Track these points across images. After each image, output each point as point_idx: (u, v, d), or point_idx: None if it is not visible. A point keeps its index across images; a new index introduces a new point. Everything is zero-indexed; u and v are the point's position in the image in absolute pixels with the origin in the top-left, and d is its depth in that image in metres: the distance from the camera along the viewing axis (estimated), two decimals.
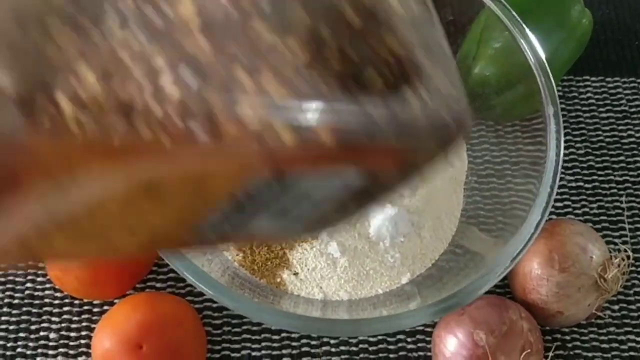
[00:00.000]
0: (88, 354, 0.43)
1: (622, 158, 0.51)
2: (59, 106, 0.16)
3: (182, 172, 0.17)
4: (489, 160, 0.46)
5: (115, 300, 0.44)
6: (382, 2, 0.18)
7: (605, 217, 0.49)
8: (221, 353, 0.44)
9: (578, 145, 0.52)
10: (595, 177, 0.50)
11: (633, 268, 0.45)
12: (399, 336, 0.44)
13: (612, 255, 0.42)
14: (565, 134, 0.51)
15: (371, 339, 0.44)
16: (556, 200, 0.49)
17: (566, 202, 0.49)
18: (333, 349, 0.44)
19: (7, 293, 0.44)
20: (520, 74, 0.43)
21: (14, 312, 0.44)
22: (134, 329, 0.38)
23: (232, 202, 0.18)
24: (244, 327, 0.44)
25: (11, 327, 0.43)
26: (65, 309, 0.44)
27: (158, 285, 0.45)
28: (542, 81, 0.41)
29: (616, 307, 0.46)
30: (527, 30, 0.42)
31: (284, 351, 0.44)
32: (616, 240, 0.48)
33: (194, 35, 0.16)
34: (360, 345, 0.44)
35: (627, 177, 0.51)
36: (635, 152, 0.51)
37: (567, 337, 0.45)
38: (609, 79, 0.54)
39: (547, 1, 0.48)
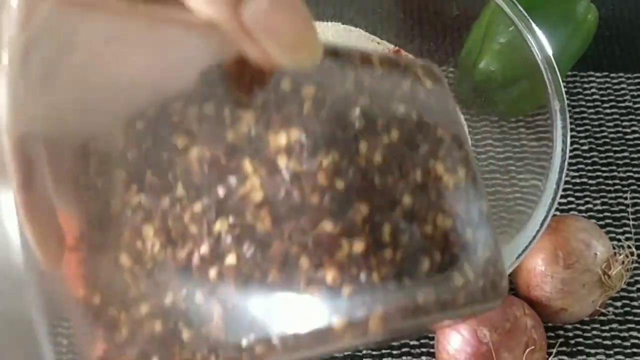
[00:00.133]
0: None
1: (626, 154, 0.51)
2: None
3: None
4: (492, 156, 0.46)
5: None
6: (432, 176, 0.20)
7: (609, 214, 0.49)
8: None
9: (582, 141, 0.51)
10: (599, 174, 0.50)
11: (636, 265, 0.45)
12: None
13: (615, 252, 0.42)
14: (569, 130, 0.51)
15: None
16: (560, 197, 0.49)
17: (570, 199, 0.49)
18: None
19: None
20: (526, 69, 0.43)
21: None
22: None
23: None
24: None
25: None
26: None
27: None
28: (549, 77, 0.40)
29: (619, 303, 0.46)
30: (533, 25, 0.42)
31: None
32: (620, 237, 0.48)
33: (257, 209, 0.18)
34: None
35: (631, 174, 0.50)
36: (639, 148, 0.51)
37: (570, 334, 0.45)
38: (613, 75, 0.54)
39: None
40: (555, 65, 0.41)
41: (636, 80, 0.54)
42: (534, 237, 0.37)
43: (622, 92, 0.53)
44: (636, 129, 0.52)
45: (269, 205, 0.18)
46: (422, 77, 0.22)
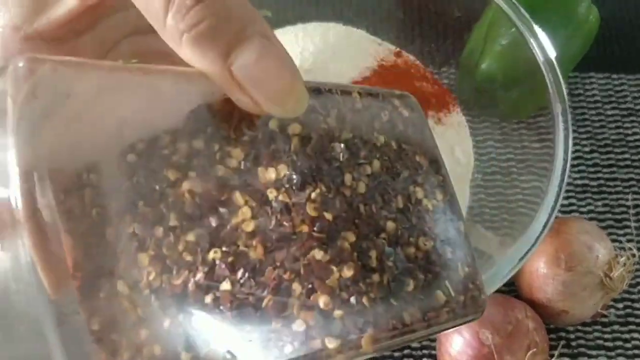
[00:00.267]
0: None
1: (627, 156, 0.51)
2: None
3: None
4: (494, 158, 0.46)
5: None
6: (412, 200, 0.22)
7: (610, 215, 0.49)
8: None
9: (584, 142, 0.51)
10: (600, 175, 0.50)
11: (638, 267, 0.45)
12: None
13: (617, 254, 0.42)
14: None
15: None
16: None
17: (571, 200, 0.49)
18: None
19: None
20: (528, 71, 0.43)
21: None
22: None
23: None
24: None
25: None
26: None
27: None
28: (550, 78, 0.40)
29: (621, 305, 0.46)
30: (535, 26, 0.42)
31: None
32: (621, 239, 0.48)
33: (249, 238, 0.19)
34: None
35: (633, 175, 0.50)
36: None
37: (572, 336, 0.45)
38: (614, 76, 0.54)
39: None
40: (557, 67, 0.41)
41: (637, 82, 0.54)
42: (537, 240, 0.37)
43: (624, 93, 0.53)
44: (637, 130, 0.52)
45: (261, 234, 0.19)
46: (399, 107, 0.24)
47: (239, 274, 0.19)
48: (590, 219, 0.48)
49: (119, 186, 0.19)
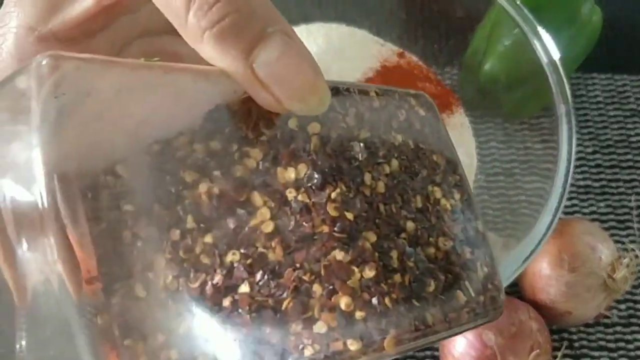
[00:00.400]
0: None
1: (630, 157, 0.51)
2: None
3: None
4: (497, 159, 0.46)
5: None
6: (431, 200, 0.22)
7: (613, 216, 0.49)
8: None
9: (586, 143, 0.51)
10: (603, 176, 0.50)
11: None
12: None
13: (620, 255, 0.42)
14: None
15: None
16: None
17: (574, 201, 0.49)
18: None
19: None
20: (531, 72, 0.43)
21: None
22: None
23: None
24: None
25: None
26: None
27: None
28: (554, 79, 0.40)
29: (623, 306, 0.46)
30: (538, 27, 0.42)
31: None
32: (624, 240, 0.48)
33: (268, 239, 0.19)
34: None
35: (635, 176, 0.50)
36: None
37: (574, 337, 0.45)
38: (617, 77, 0.54)
39: None
40: (561, 68, 0.41)
41: None
42: (540, 242, 0.37)
43: (626, 94, 0.53)
44: None
45: (280, 235, 0.19)
46: (415, 106, 0.24)
47: (258, 276, 0.19)
48: (593, 220, 0.48)
49: (135, 187, 0.18)
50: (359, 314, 0.18)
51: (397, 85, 0.45)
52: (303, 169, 0.20)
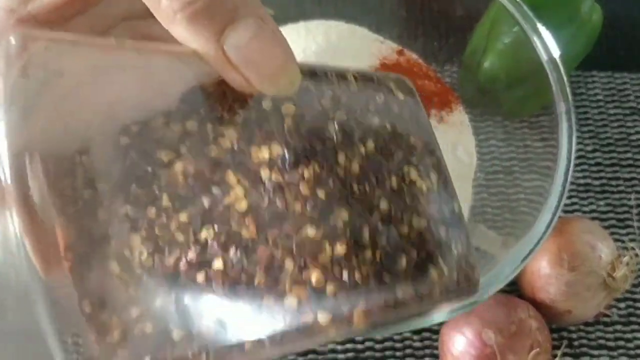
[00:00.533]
0: None
1: (629, 155, 0.51)
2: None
3: None
4: (496, 157, 0.46)
5: None
6: (406, 181, 0.22)
7: (613, 215, 0.49)
8: None
9: (586, 141, 0.51)
10: (603, 175, 0.50)
11: None
12: (405, 334, 0.44)
13: (620, 254, 0.42)
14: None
15: (377, 338, 0.44)
16: None
17: (574, 200, 0.49)
18: (339, 347, 0.43)
19: None
20: (531, 70, 0.43)
21: None
22: None
23: None
24: None
25: None
26: None
27: None
28: (554, 77, 0.40)
29: (623, 305, 0.46)
30: (538, 25, 0.41)
31: None
32: (624, 238, 0.48)
33: (242, 217, 0.19)
34: (367, 344, 0.44)
35: (635, 175, 0.50)
36: None
37: (574, 336, 0.45)
38: (617, 75, 0.54)
39: None
40: (561, 66, 0.40)
41: None
42: (540, 240, 0.37)
43: (626, 92, 0.53)
44: None
45: (254, 213, 0.19)
46: (395, 90, 0.24)
47: (231, 252, 0.19)
48: (593, 218, 0.48)
49: (111, 167, 0.19)
50: (329, 289, 0.19)
51: None
52: (276, 149, 0.20)
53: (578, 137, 0.51)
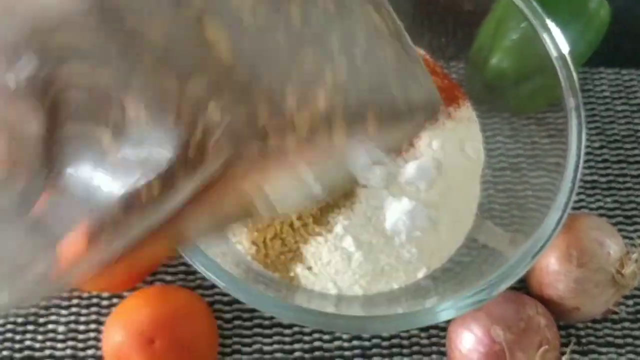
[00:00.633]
0: (97, 348, 0.42)
1: (637, 151, 0.51)
2: None
3: None
4: (504, 153, 0.45)
5: (125, 294, 0.43)
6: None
7: (620, 212, 0.48)
8: (232, 347, 0.43)
9: (593, 138, 0.51)
10: (610, 171, 0.50)
11: None
12: (412, 331, 0.44)
13: (629, 251, 0.42)
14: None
15: (384, 335, 0.44)
16: None
17: (581, 196, 0.49)
18: (346, 344, 0.43)
19: None
20: (539, 66, 0.43)
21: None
22: (146, 323, 0.38)
23: None
24: (255, 321, 0.44)
25: (19, 320, 0.43)
26: (74, 302, 0.43)
27: (168, 278, 0.45)
28: (564, 74, 0.40)
29: (631, 302, 0.46)
30: (547, 20, 0.41)
31: (295, 345, 0.43)
32: (632, 235, 0.48)
33: None
34: (374, 340, 0.44)
35: None
36: None
37: (582, 333, 0.45)
38: (624, 72, 0.53)
39: None
40: (570, 62, 0.40)
41: None
42: (550, 238, 0.37)
43: (634, 88, 0.53)
44: None
45: None
46: None
47: None
48: (600, 215, 0.48)
49: None
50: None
51: None
52: None
53: (585, 133, 0.51)
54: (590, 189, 0.49)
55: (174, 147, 0.20)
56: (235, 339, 0.43)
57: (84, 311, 0.43)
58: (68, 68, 0.20)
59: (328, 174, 0.25)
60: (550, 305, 0.42)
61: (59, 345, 0.42)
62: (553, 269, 0.41)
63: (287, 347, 0.43)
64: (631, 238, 0.47)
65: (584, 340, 0.44)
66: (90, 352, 0.42)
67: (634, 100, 0.52)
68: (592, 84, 0.53)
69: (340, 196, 0.40)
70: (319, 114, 0.21)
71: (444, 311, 0.36)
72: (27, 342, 0.42)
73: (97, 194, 0.21)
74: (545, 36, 0.41)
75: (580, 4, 0.48)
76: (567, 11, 0.47)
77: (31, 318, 0.43)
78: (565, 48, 0.41)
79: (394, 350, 0.43)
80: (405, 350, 0.43)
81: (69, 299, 0.43)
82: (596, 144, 0.51)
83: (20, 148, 0.21)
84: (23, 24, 0.20)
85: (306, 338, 0.43)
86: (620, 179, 0.50)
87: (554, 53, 0.41)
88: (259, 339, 0.43)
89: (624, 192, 0.49)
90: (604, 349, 0.44)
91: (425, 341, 0.44)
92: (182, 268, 0.45)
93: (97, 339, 0.42)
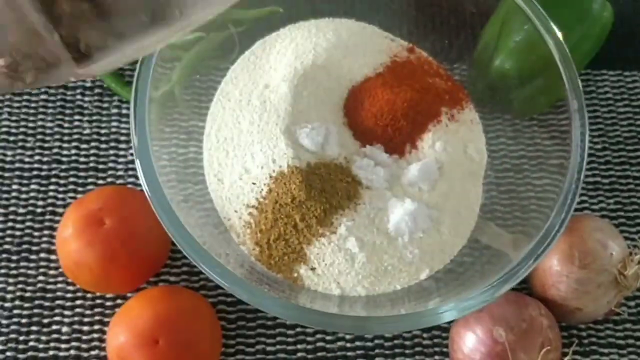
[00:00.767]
0: (101, 348, 0.42)
1: (639, 153, 0.51)
2: None
3: None
4: (506, 155, 0.45)
5: (129, 294, 0.43)
6: None
7: (622, 213, 0.49)
8: (236, 347, 0.43)
9: (595, 140, 0.51)
10: (612, 173, 0.50)
11: None
12: (415, 332, 0.44)
13: (631, 252, 0.42)
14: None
15: (387, 335, 0.44)
16: None
17: (583, 198, 0.49)
18: (348, 344, 0.44)
19: (19, 286, 0.44)
20: (542, 68, 0.43)
21: (26, 305, 0.43)
22: (150, 323, 0.38)
23: None
24: (259, 322, 0.44)
25: (23, 321, 0.43)
26: (78, 302, 0.44)
27: (172, 279, 0.45)
28: (567, 75, 0.40)
29: (632, 303, 0.46)
30: (551, 22, 0.41)
31: (298, 346, 0.43)
32: (634, 236, 0.48)
33: None
34: (376, 341, 0.44)
35: None
36: None
37: (584, 334, 0.45)
38: (627, 74, 0.53)
39: None
40: (573, 64, 0.40)
41: None
42: (553, 239, 0.37)
43: (636, 90, 0.53)
44: None
45: None
46: None
47: None
48: (602, 216, 0.48)
49: None
50: None
51: (407, 80, 0.45)
52: None
53: (588, 135, 0.51)
54: (593, 190, 0.49)
55: None
56: (239, 340, 0.43)
57: (88, 312, 0.43)
58: None
59: None
60: (552, 306, 0.42)
61: (63, 345, 0.42)
62: (555, 270, 0.41)
63: (290, 347, 0.43)
64: (633, 239, 0.47)
65: (586, 342, 0.44)
66: (94, 352, 0.42)
67: (636, 102, 0.53)
68: (595, 85, 0.53)
69: (344, 198, 0.40)
70: None
71: (447, 312, 0.36)
72: (31, 343, 0.42)
73: None
74: (548, 38, 0.41)
75: (584, 6, 0.48)
76: (570, 13, 0.47)
77: (35, 319, 0.43)
78: (568, 50, 0.41)
79: (397, 350, 0.43)
80: (407, 351, 0.44)
81: (73, 300, 0.44)
82: (599, 146, 0.51)
83: None
84: None
85: (309, 339, 0.44)
86: (623, 181, 0.50)
87: (556, 55, 0.41)
88: (262, 339, 0.43)
89: (627, 194, 0.49)
90: (605, 350, 0.44)
91: (427, 342, 0.44)
92: (186, 269, 0.45)
93: (101, 340, 0.43)
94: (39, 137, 0.48)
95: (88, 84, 0.50)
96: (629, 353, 0.44)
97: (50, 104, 0.50)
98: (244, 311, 0.44)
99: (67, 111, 0.49)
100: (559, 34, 0.41)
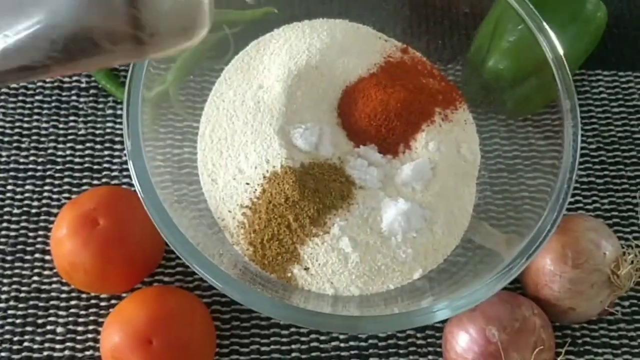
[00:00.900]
0: (95, 349, 0.42)
1: (634, 153, 0.51)
2: None
3: None
4: (500, 155, 0.46)
5: (123, 295, 0.43)
6: None
7: (616, 213, 0.49)
8: (230, 348, 0.43)
9: (590, 140, 0.51)
10: (606, 173, 0.50)
11: None
12: (408, 332, 0.44)
13: (624, 252, 0.42)
14: None
15: (381, 335, 0.44)
16: None
17: (577, 197, 0.49)
18: (342, 344, 0.44)
19: (14, 287, 0.44)
20: (536, 68, 0.43)
21: (21, 305, 0.43)
22: (144, 324, 0.38)
23: None
24: (253, 322, 0.44)
25: (18, 321, 0.43)
26: (72, 303, 0.44)
27: (166, 279, 0.45)
28: (560, 75, 0.40)
29: (626, 303, 0.46)
30: (544, 23, 0.41)
31: (293, 346, 0.43)
32: (628, 236, 0.48)
33: None
34: (370, 341, 0.44)
35: (639, 173, 0.50)
36: None
37: (577, 333, 0.45)
38: (621, 74, 0.54)
39: None
40: (566, 64, 0.40)
41: None
42: (545, 238, 0.37)
43: (630, 90, 0.53)
44: None
45: None
46: None
47: None
48: (597, 216, 0.48)
49: None
50: None
51: (401, 80, 0.45)
52: None
53: (582, 135, 0.51)
54: (587, 190, 0.49)
55: None
56: (233, 340, 0.43)
57: (82, 312, 0.43)
58: None
59: None
60: (545, 305, 0.42)
61: (58, 346, 0.42)
62: (549, 270, 0.42)
63: (284, 347, 0.43)
64: (627, 239, 0.47)
65: (579, 342, 0.45)
66: (88, 353, 0.42)
67: (630, 102, 0.53)
68: (590, 85, 0.53)
69: (338, 198, 0.40)
70: None
71: (440, 311, 0.36)
72: (26, 344, 0.42)
73: None
74: (542, 38, 0.42)
75: (578, 6, 0.48)
76: (564, 13, 0.47)
77: (30, 319, 0.43)
78: (561, 50, 0.41)
79: (390, 350, 0.44)
80: (401, 351, 0.44)
81: (68, 300, 0.44)
82: (593, 146, 0.51)
83: None
84: None
85: (303, 339, 0.44)
86: (617, 181, 0.50)
87: (550, 55, 0.41)
88: (257, 339, 0.43)
89: (621, 194, 0.49)
90: (599, 350, 0.44)
91: (421, 342, 0.44)
92: (180, 269, 0.45)
93: (96, 340, 0.43)
94: (34, 137, 0.49)
95: (83, 85, 0.51)
96: (623, 353, 0.45)
97: (45, 105, 0.50)
98: (238, 311, 0.44)
99: (62, 112, 0.49)
100: (552, 35, 0.41)
